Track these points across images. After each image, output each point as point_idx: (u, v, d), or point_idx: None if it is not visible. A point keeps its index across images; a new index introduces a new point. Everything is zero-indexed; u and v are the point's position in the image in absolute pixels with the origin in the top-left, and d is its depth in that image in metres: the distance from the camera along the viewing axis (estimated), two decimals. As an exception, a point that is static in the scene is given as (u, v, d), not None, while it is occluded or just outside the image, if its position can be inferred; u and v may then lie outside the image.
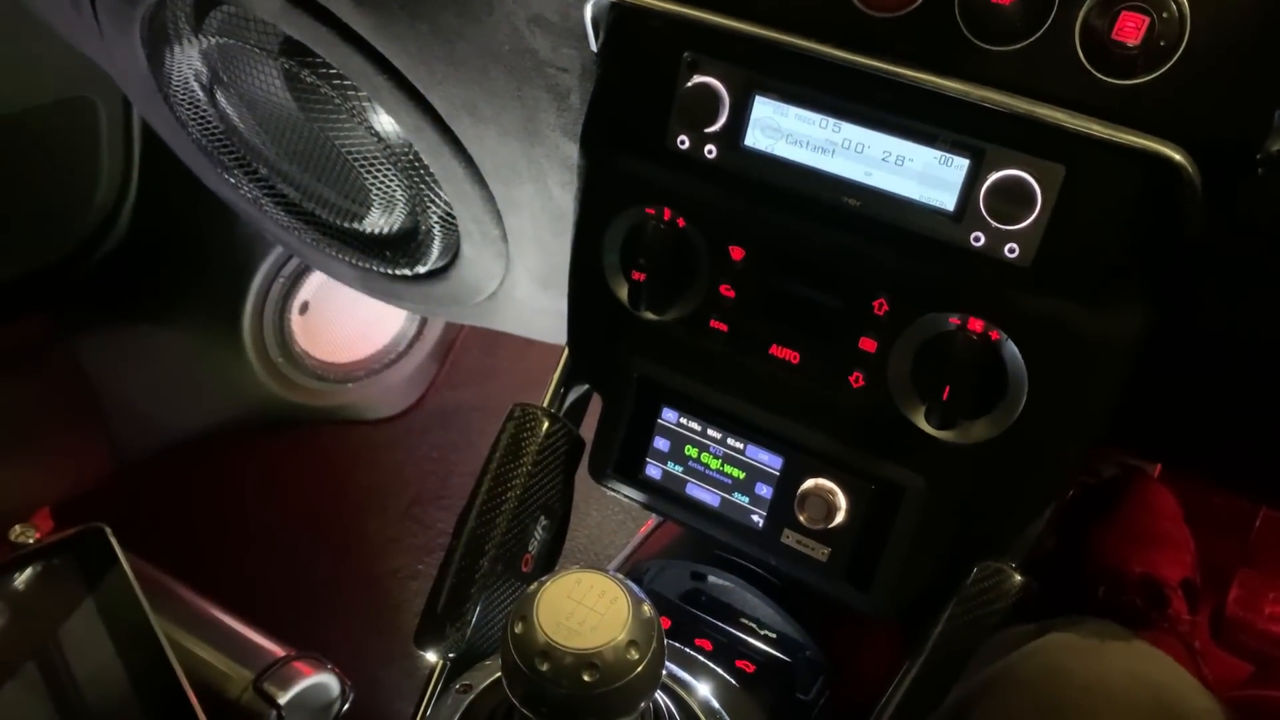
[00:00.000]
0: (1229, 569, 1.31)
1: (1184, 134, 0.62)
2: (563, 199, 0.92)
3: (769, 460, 0.83)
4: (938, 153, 0.69)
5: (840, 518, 0.80)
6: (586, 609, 0.57)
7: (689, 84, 0.75)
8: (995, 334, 0.70)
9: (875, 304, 0.74)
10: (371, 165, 1.02)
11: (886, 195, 0.71)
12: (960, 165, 0.68)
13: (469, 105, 0.88)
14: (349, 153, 1.02)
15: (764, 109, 0.73)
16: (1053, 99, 0.64)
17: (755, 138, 0.74)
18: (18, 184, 1.51)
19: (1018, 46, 0.64)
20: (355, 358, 1.89)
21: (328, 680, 1.11)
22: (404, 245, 1.11)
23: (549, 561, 0.95)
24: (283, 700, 1.06)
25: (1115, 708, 0.64)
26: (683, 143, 0.77)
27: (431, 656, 0.87)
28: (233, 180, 1.17)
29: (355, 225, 1.13)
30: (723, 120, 0.75)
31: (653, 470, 0.88)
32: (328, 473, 1.83)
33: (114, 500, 1.61)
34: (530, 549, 0.91)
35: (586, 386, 0.96)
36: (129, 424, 1.68)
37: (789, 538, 0.83)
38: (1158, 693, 0.65)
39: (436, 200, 1.02)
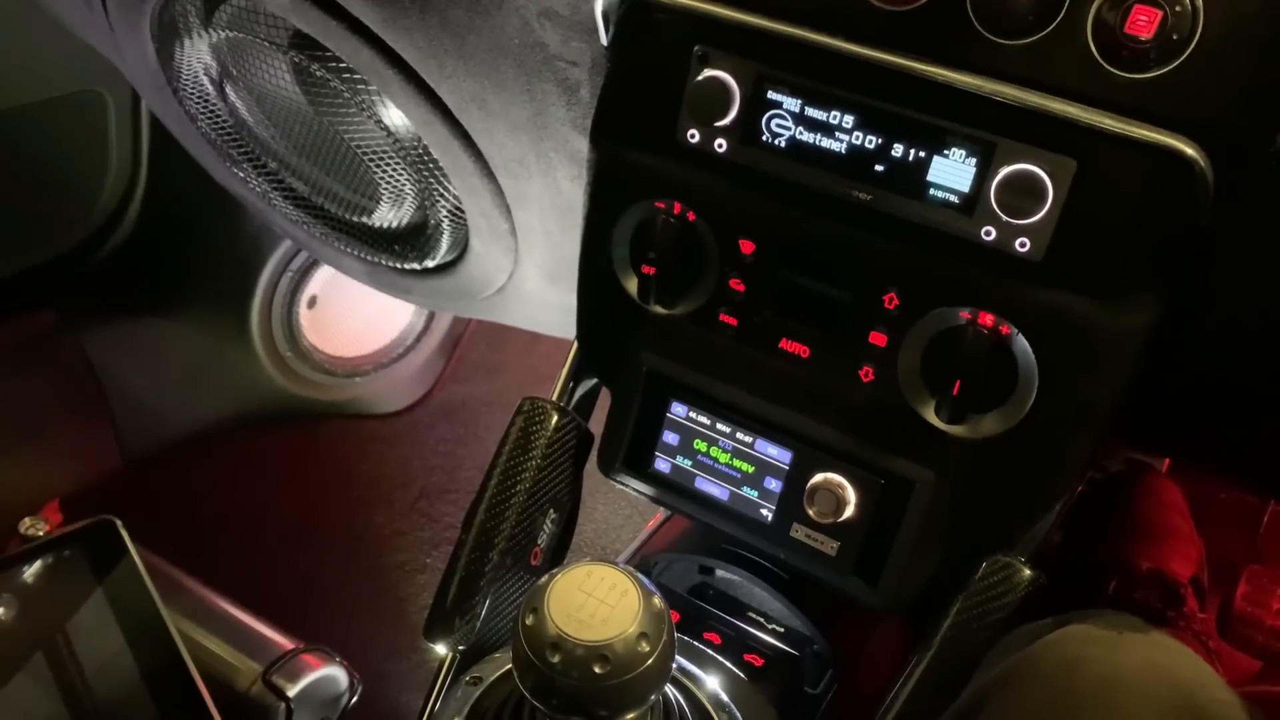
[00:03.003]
0: (1237, 565, 1.31)
1: (1196, 128, 0.62)
2: (572, 193, 0.92)
3: (778, 454, 0.83)
4: (949, 146, 0.69)
5: (849, 512, 0.80)
6: (597, 601, 0.57)
7: (699, 78, 0.75)
8: (1006, 328, 0.70)
9: (885, 298, 0.74)
10: (380, 159, 1.02)
11: (897, 189, 0.71)
12: (971, 159, 0.68)
13: (478, 99, 0.88)
14: (358, 147, 1.02)
15: (774, 103, 0.73)
16: (1064, 93, 0.64)
17: (765, 132, 0.74)
18: (26, 177, 1.51)
19: (1030, 40, 0.64)
20: (363, 352, 1.89)
21: (336, 673, 1.11)
22: (413, 239, 1.11)
23: (557, 555, 0.95)
24: (291, 693, 1.06)
25: (1134, 699, 0.64)
26: (693, 136, 0.77)
27: (441, 649, 0.87)
28: (241, 174, 1.18)
29: (364, 219, 1.13)
30: (733, 114, 0.75)
31: (662, 464, 0.88)
32: (335, 466, 1.83)
33: (122, 493, 1.61)
34: (539, 542, 0.91)
35: (595, 380, 0.97)
36: (137, 418, 1.69)
37: (798, 532, 0.83)
38: (1176, 684, 0.65)
39: (445, 194, 1.02)
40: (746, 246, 0.78)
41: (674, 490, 0.88)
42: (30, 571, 1.03)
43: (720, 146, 0.76)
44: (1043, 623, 0.73)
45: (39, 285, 1.62)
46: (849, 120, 0.71)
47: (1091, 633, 0.71)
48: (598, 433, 0.93)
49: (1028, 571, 0.76)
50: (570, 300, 0.92)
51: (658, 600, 0.59)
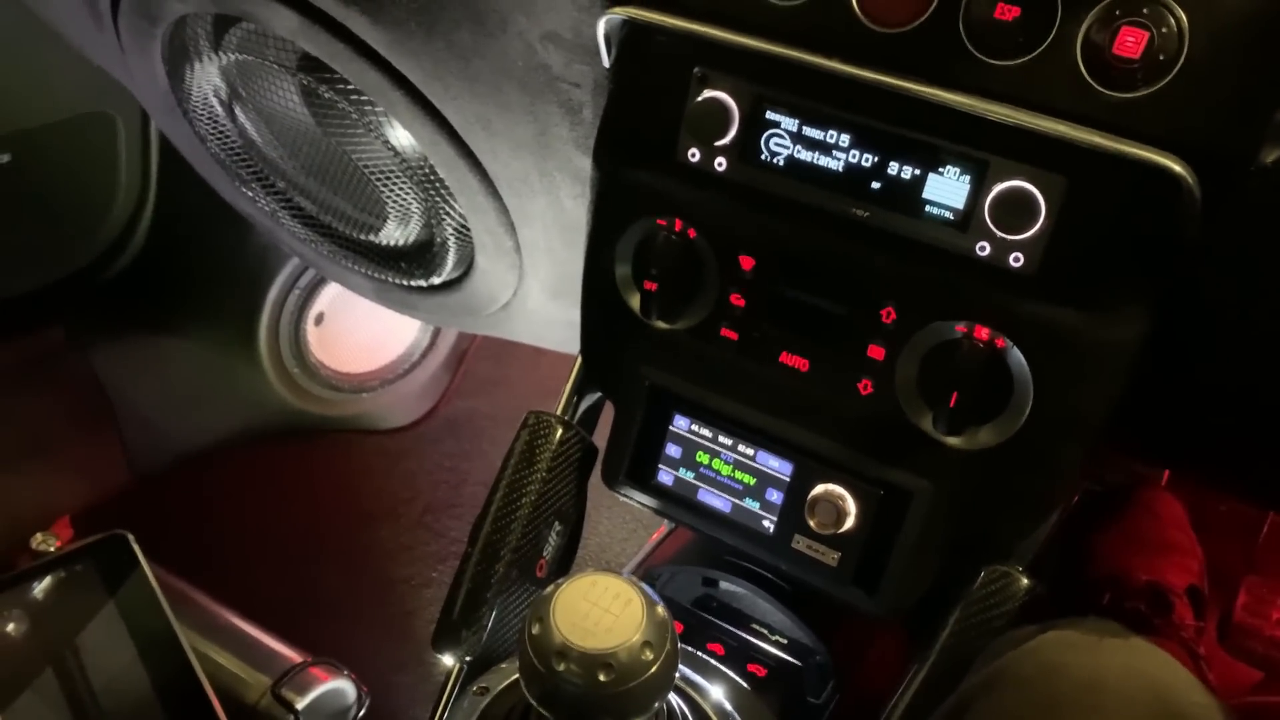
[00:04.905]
0: (1236, 575, 1.32)
1: (1183, 145, 0.63)
2: (575, 211, 0.94)
3: (779, 466, 0.84)
4: (943, 164, 0.70)
5: (850, 523, 0.81)
6: (602, 610, 0.59)
7: (699, 98, 0.76)
8: (1001, 341, 0.72)
9: (883, 312, 0.76)
10: (387, 178, 1.03)
11: (893, 206, 0.73)
12: (965, 176, 0.70)
13: (483, 119, 0.90)
14: (365, 166, 1.04)
15: (773, 122, 0.75)
16: (1055, 112, 0.65)
17: (764, 150, 0.76)
18: (36, 198, 1.53)
19: (1021, 61, 0.65)
20: (369, 368, 1.90)
21: (344, 686, 1.12)
22: (419, 257, 1.12)
23: (563, 567, 0.96)
24: (300, 705, 1.07)
25: (1113, 703, 0.65)
26: (693, 156, 0.79)
27: (448, 659, 0.88)
28: (250, 194, 1.19)
29: (371, 237, 1.14)
30: (732, 134, 0.76)
31: (665, 477, 0.89)
32: (342, 482, 1.84)
33: (131, 510, 1.62)
34: (544, 554, 0.92)
35: (599, 394, 0.98)
36: (145, 434, 1.70)
37: (799, 543, 0.84)
38: (1155, 689, 0.66)
39: (451, 213, 1.03)
40: (746, 262, 0.80)
41: (677, 502, 0.89)
42: (42, 586, 1.04)
43: (720, 165, 0.78)
44: (1026, 629, 0.74)
45: (48, 304, 1.64)
46: (845, 139, 0.73)
47: (1072, 638, 0.72)
48: (602, 446, 0.94)
49: (1025, 580, 0.77)
50: (574, 316, 0.93)
51: (661, 609, 0.60)
